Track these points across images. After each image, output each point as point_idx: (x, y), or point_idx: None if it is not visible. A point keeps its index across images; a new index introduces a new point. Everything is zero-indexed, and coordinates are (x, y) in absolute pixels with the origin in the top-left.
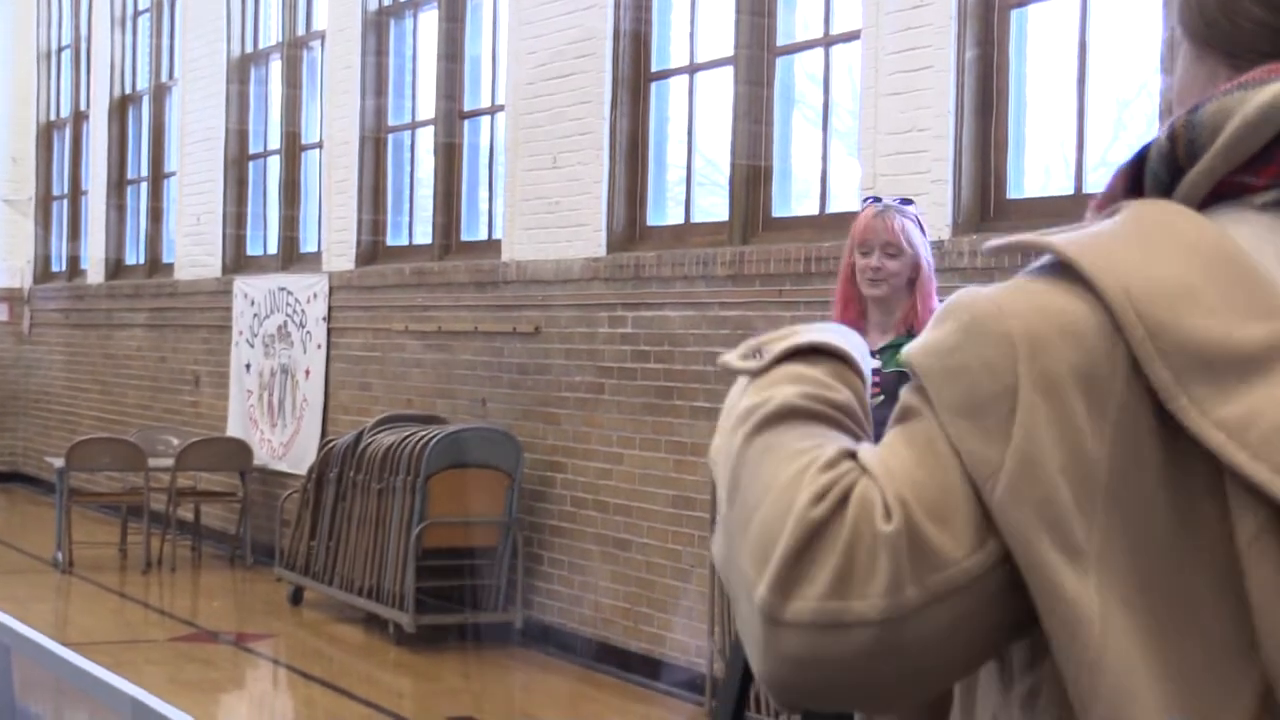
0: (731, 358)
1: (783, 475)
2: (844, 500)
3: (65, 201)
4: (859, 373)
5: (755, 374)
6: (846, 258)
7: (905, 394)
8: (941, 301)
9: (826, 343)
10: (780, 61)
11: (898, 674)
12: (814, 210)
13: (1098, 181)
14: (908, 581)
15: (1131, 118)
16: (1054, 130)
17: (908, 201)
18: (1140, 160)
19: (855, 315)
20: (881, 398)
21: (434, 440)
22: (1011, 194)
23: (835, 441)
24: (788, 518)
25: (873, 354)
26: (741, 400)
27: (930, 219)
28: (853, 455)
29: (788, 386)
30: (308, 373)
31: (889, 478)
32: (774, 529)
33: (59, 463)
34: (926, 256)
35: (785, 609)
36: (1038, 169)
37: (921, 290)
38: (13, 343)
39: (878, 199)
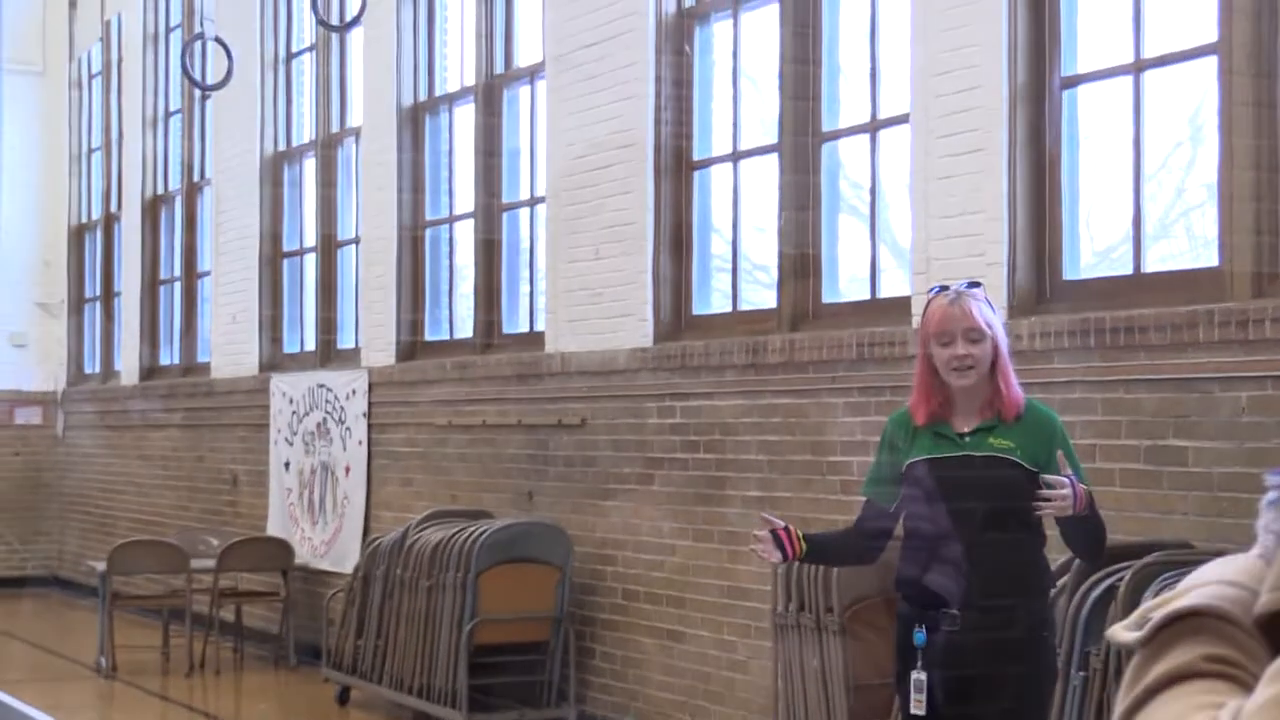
0: (1118, 629)
1: None
2: None
3: (98, 303)
4: (1245, 627)
5: (1141, 644)
6: (922, 349)
7: None
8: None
9: (1208, 605)
10: (826, 147)
11: None
12: (865, 295)
13: (1156, 260)
14: None
15: (1190, 193)
16: (1110, 209)
17: (975, 284)
18: None
19: (938, 406)
20: None
21: (484, 536)
22: (1068, 275)
23: (1228, 697)
24: None
25: (962, 437)
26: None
27: None
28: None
29: (1174, 651)
30: (348, 469)
31: None
32: None
33: (101, 566)
34: (1002, 336)
35: None
36: (1094, 249)
37: (1002, 370)
38: (47, 446)
39: (945, 286)
